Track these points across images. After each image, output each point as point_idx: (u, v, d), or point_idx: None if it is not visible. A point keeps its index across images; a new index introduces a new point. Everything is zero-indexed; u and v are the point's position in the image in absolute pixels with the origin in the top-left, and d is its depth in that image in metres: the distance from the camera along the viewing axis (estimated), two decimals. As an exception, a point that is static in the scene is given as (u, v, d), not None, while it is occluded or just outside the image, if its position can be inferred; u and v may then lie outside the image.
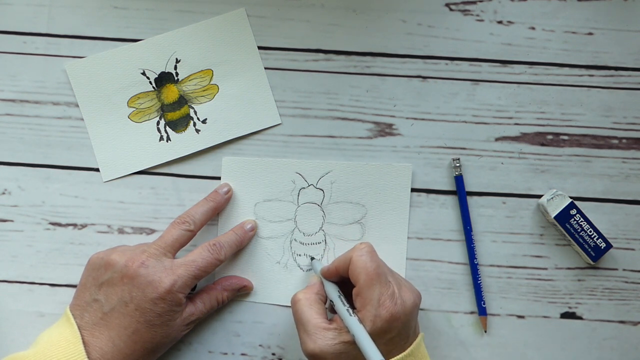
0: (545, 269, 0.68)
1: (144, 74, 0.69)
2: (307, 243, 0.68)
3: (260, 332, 0.67)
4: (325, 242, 0.68)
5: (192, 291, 0.66)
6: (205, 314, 0.65)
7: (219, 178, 0.68)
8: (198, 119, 0.69)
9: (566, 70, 0.69)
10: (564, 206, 0.66)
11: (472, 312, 0.68)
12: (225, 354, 0.67)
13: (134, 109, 0.69)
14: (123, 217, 0.68)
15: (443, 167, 0.69)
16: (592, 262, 0.67)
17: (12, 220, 0.68)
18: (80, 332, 0.60)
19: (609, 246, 0.67)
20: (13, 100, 0.69)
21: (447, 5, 0.69)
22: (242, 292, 0.67)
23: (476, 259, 0.67)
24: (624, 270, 0.68)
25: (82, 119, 0.68)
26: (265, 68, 0.69)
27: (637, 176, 0.69)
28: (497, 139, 0.69)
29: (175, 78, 0.69)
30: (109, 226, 0.68)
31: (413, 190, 0.68)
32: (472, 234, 0.67)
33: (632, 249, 0.68)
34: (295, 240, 0.68)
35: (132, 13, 0.69)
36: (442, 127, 0.69)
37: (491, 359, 0.67)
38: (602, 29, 0.69)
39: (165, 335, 0.61)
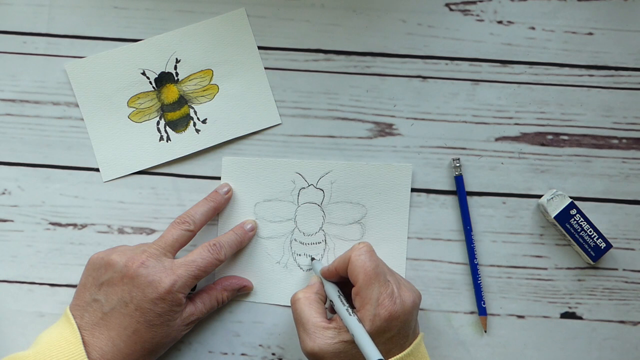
0: (545, 269, 0.68)
1: (144, 74, 0.69)
2: (307, 243, 0.68)
3: (260, 332, 0.67)
4: (325, 242, 0.68)
5: (192, 291, 0.66)
6: (205, 314, 0.65)
7: (219, 178, 0.68)
8: (198, 119, 0.69)
9: (566, 70, 0.69)
10: (564, 206, 0.66)
11: (472, 312, 0.68)
12: (225, 354, 0.67)
13: (134, 109, 0.69)
14: (123, 217, 0.68)
15: (443, 167, 0.69)
16: (592, 262, 0.67)
17: (12, 220, 0.68)
18: (80, 332, 0.60)
19: (609, 246, 0.67)
20: (13, 100, 0.69)
21: (447, 5, 0.69)
22: (242, 292, 0.67)
23: (476, 259, 0.67)
24: (624, 270, 0.68)
25: (82, 119, 0.68)
26: (265, 68, 0.69)
27: (637, 176, 0.69)
28: (497, 139, 0.69)
29: (175, 78, 0.69)
30: (109, 226, 0.68)
31: (413, 190, 0.68)
32: (472, 234, 0.67)
33: (632, 249, 0.68)
34: (295, 240, 0.68)
35: (132, 13, 0.69)
36: (442, 127, 0.69)
37: (491, 359, 0.67)
38: (602, 29, 0.69)
39: (165, 335, 0.61)
